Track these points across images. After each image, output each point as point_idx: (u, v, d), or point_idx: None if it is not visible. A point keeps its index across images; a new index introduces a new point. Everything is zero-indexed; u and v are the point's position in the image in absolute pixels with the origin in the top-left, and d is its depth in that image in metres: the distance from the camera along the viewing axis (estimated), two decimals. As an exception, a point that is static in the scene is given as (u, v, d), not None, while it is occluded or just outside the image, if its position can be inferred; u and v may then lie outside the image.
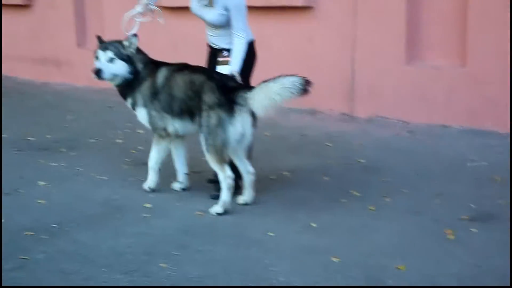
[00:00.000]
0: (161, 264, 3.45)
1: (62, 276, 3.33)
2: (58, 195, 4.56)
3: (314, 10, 6.80)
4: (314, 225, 3.98)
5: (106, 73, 4.42)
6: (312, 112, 6.84)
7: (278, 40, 7.09)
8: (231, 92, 4.11)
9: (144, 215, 4.19)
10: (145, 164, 4.88)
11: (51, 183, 4.78)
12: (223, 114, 4.09)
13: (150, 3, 4.53)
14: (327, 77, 6.81)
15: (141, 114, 4.52)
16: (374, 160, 5.35)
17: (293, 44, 7.04)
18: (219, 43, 4.49)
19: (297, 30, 6.99)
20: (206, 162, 4.29)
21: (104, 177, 4.88)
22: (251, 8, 7.06)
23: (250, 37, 4.49)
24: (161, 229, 3.95)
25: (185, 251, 3.63)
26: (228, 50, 4.41)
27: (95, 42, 8.82)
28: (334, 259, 3.47)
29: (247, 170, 4.34)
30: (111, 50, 4.42)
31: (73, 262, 3.49)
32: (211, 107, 4.13)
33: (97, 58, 4.44)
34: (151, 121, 4.49)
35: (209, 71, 4.39)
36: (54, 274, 3.35)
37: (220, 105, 4.10)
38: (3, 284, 2.97)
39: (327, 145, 5.86)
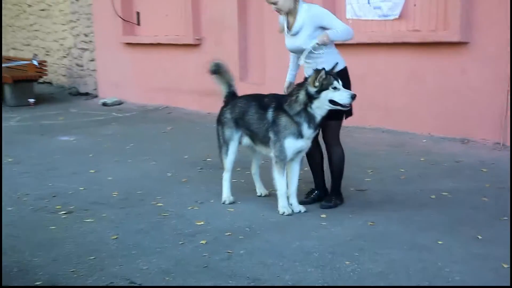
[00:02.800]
0: (345, 262, 3.98)
1: (263, 267, 3.95)
2: (243, 205, 5.25)
3: (469, 45, 7.14)
4: (480, 237, 4.36)
5: None
6: (465, 141, 7.15)
7: (432, 73, 7.50)
8: None
9: (322, 223, 4.76)
10: (312, 182, 5.44)
11: (234, 196, 5.47)
12: None
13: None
14: (480, 108, 7.12)
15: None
16: (532, 185, 5.58)
17: (447, 77, 7.40)
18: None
19: (451, 64, 7.36)
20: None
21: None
22: (407, 44, 7.59)
23: (344, 64, 4.97)
24: (339, 235, 4.49)
25: (365, 252, 4.14)
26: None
27: (256, 76, 9.54)
28: (505, 265, 3.84)
29: None
30: None
31: (269, 257, 4.11)
32: None
33: (337, 87, 4.76)
34: None
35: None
36: (257, 265, 3.99)
37: None
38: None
39: (482, 170, 6.16)
